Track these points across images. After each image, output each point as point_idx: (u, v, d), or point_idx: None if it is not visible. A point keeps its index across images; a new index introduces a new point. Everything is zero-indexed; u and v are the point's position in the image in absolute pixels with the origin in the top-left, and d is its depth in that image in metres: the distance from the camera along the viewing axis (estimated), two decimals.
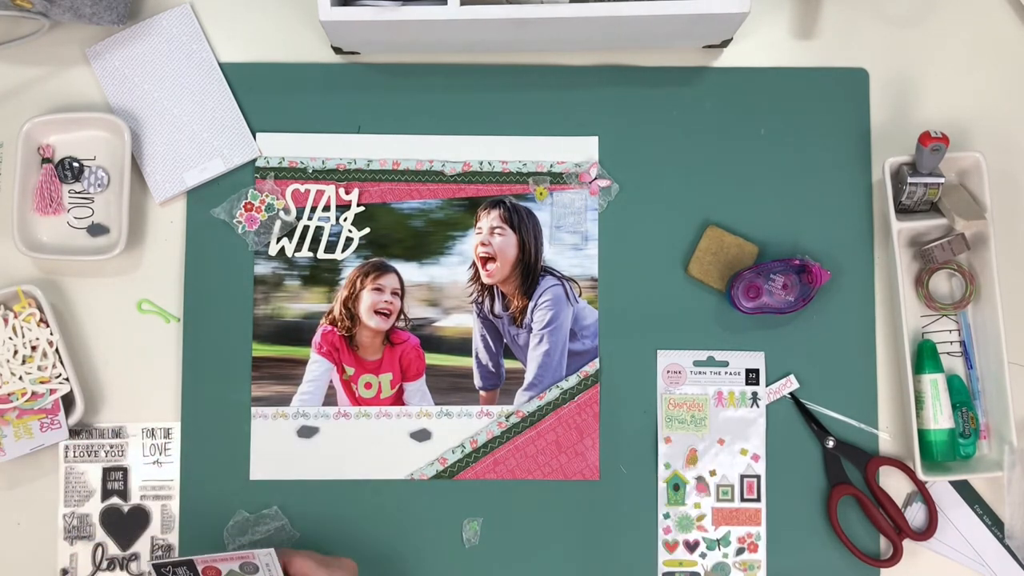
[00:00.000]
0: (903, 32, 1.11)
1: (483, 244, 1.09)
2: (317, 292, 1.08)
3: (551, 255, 1.09)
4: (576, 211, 1.08)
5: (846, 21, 1.11)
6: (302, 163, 1.09)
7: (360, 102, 1.09)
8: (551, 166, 1.09)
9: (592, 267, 1.08)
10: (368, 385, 1.07)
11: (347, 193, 1.08)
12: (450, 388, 1.07)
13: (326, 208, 1.09)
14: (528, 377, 1.07)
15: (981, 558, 1.06)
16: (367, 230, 1.09)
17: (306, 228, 1.08)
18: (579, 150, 1.09)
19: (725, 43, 1.09)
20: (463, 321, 1.08)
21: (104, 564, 1.06)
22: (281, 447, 1.06)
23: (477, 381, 1.07)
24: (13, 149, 1.07)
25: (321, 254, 1.08)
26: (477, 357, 1.08)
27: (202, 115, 1.09)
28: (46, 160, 1.08)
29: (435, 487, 1.06)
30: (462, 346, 1.08)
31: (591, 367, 1.07)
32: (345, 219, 1.08)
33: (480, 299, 1.08)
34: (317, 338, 1.07)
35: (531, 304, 1.08)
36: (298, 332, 1.07)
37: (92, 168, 1.08)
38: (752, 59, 1.10)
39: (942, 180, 1.03)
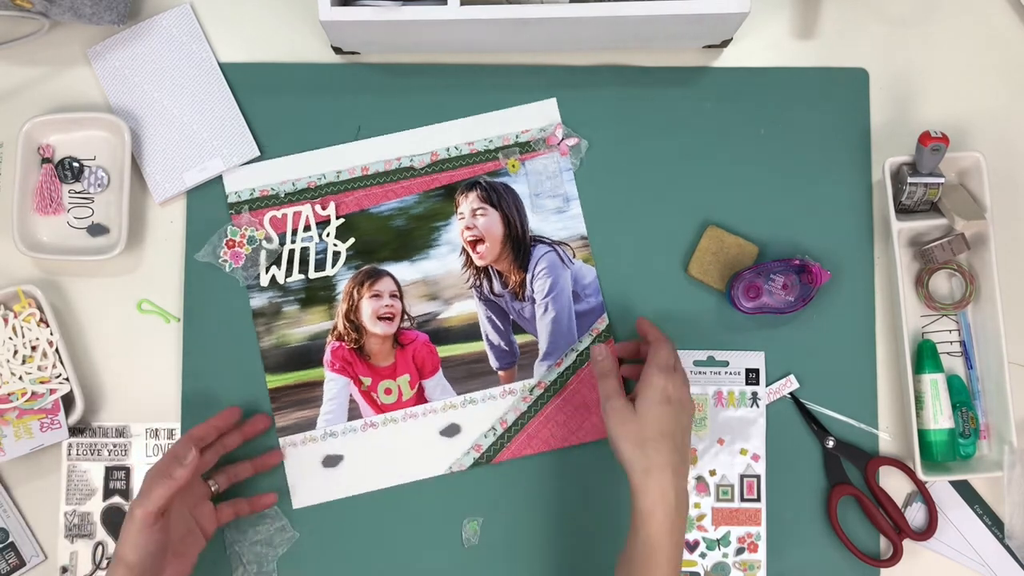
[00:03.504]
0: (903, 32, 1.11)
1: (468, 228, 1.09)
2: (317, 312, 1.08)
3: (536, 224, 1.08)
4: (551, 175, 1.08)
5: (846, 21, 1.11)
6: (273, 189, 1.08)
7: (360, 102, 1.09)
8: (517, 137, 1.09)
9: (579, 226, 1.08)
10: (388, 391, 1.07)
11: (323, 208, 1.08)
12: (468, 375, 1.07)
13: (307, 228, 1.08)
14: (542, 347, 1.07)
15: (981, 558, 1.06)
16: (352, 240, 1.08)
17: (292, 252, 1.08)
18: (540, 115, 1.09)
19: (725, 43, 1.09)
20: (466, 308, 1.08)
21: (104, 563, 1.06)
22: (317, 470, 1.06)
23: (493, 362, 1.07)
24: (13, 149, 1.07)
25: (313, 273, 1.08)
26: (488, 339, 1.08)
27: (202, 115, 1.09)
28: (46, 160, 1.08)
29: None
30: (471, 332, 1.08)
31: (601, 323, 1.07)
32: (328, 234, 1.08)
33: (478, 282, 1.08)
34: (327, 356, 1.07)
35: (528, 276, 1.08)
36: (307, 355, 1.07)
37: (92, 168, 1.08)
38: (752, 59, 1.10)
39: (942, 180, 1.03)
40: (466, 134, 1.09)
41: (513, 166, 1.08)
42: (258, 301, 1.07)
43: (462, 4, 0.98)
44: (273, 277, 1.08)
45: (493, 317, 1.08)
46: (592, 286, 1.07)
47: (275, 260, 1.08)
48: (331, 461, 1.06)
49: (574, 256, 1.08)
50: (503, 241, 1.08)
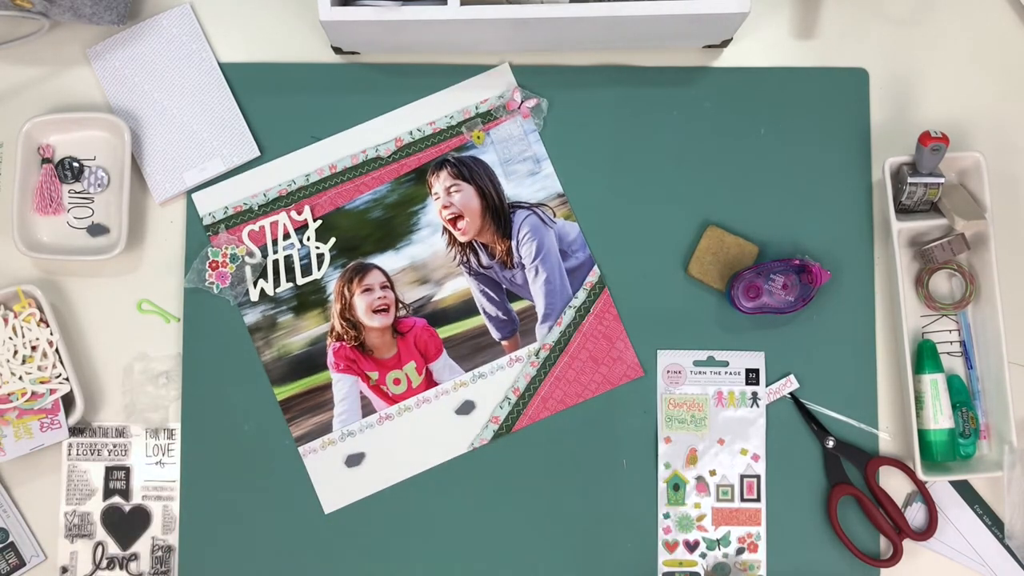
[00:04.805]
0: (903, 32, 1.11)
1: (445, 207, 1.09)
2: (312, 316, 1.08)
3: (512, 190, 1.09)
4: (517, 139, 1.08)
5: (846, 21, 1.11)
6: (246, 204, 1.09)
7: (360, 102, 1.09)
8: (476, 107, 1.09)
9: (554, 185, 1.09)
10: (396, 381, 1.08)
11: (299, 214, 1.08)
12: (473, 351, 1.08)
13: (286, 236, 1.08)
14: (540, 310, 1.08)
15: (981, 558, 1.06)
16: (332, 240, 1.08)
17: (276, 262, 1.08)
18: (496, 82, 1.09)
19: (725, 43, 1.09)
20: (458, 285, 1.08)
21: (104, 563, 1.06)
22: (341, 471, 1.06)
23: (494, 333, 1.08)
24: (13, 149, 1.07)
25: (300, 280, 1.08)
26: (485, 312, 1.08)
27: (202, 115, 1.09)
28: (46, 160, 1.08)
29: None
30: (467, 309, 1.08)
31: (593, 276, 1.08)
32: (308, 238, 1.08)
33: (465, 258, 1.08)
34: (330, 358, 1.07)
35: (513, 243, 1.08)
36: (310, 361, 1.07)
37: (92, 168, 1.08)
38: (752, 59, 1.10)
39: (942, 180, 1.03)
40: (426, 114, 1.09)
41: (478, 137, 1.08)
42: (251, 317, 1.07)
43: (462, 4, 0.99)
44: (262, 290, 1.08)
45: (486, 289, 1.08)
46: (578, 241, 1.08)
47: (261, 273, 1.08)
48: (353, 460, 1.06)
49: (555, 215, 1.08)
50: (482, 213, 1.09)
